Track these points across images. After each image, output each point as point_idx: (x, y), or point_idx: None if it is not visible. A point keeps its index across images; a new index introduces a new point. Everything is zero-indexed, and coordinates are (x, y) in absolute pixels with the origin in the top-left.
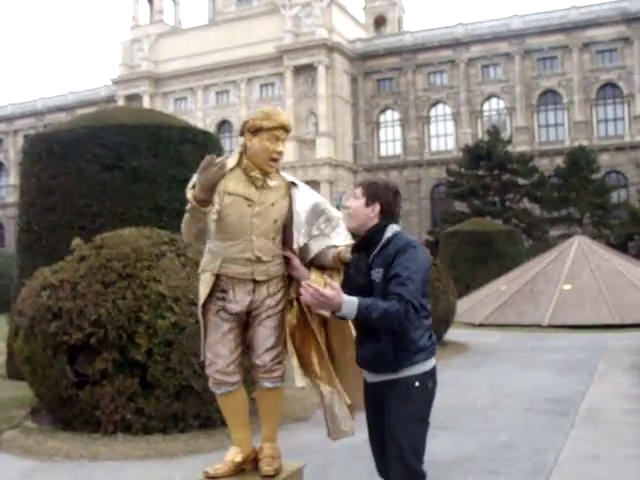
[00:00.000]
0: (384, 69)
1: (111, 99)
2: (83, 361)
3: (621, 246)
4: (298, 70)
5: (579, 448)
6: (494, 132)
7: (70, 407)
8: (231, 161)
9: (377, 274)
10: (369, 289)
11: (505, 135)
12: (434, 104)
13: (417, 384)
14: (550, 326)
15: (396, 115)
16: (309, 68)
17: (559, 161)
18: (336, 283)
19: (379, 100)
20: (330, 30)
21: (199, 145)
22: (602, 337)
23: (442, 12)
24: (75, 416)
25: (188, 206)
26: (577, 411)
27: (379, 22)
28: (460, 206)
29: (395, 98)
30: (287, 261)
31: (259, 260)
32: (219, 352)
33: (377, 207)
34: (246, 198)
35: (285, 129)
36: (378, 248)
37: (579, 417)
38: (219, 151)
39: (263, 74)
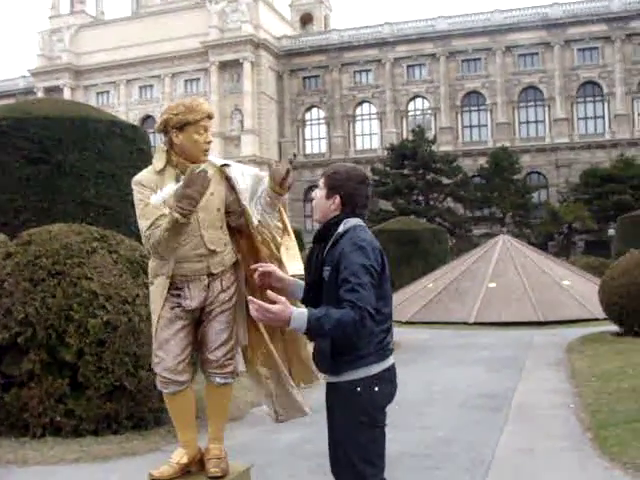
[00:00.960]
0: (310, 67)
1: (29, 91)
2: (10, 362)
3: (542, 245)
4: (223, 66)
5: (514, 442)
6: (419, 132)
7: None
8: (159, 162)
9: (327, 272)
10: (319, 285)
11: (430, 135)
12: (360, 103)
13: (359, 389)
14: (476, 323)
15: (322, 113)
16: (235, 64)
17: (482, 161)
18: (282, 298)
19: (305, 98)
20: (256, 26)
21: (127, 139)
22: (527, 334)
23: (369, 11)
24: (1, 420)
25: (169, 224)
26: (509, 406)
27: (306, 20)
28: (385, 205)
29: (321, 96)
30: (266, 274)
31: (213, 252)
32: (170, 349)
33: (337, 199)
34: None
35: (210, 117)
36: (329, 244)
37: (512, 412)
38: (147, 146)
39: (188, 69)
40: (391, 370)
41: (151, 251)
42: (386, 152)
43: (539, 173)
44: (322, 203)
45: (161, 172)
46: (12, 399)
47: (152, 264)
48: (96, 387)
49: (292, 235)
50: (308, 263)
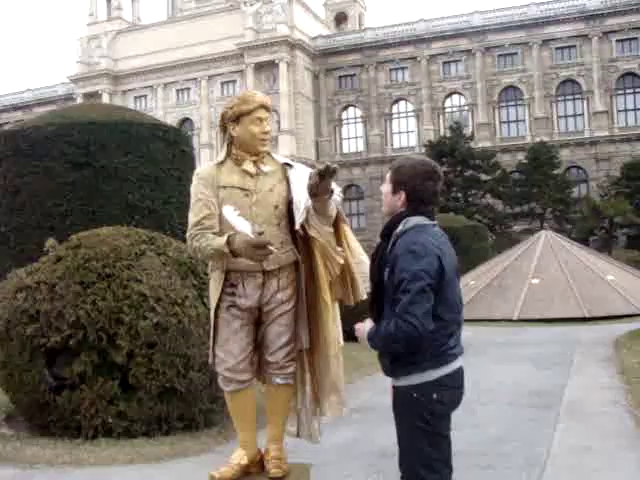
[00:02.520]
0: (345, 66)
1: (69, 97)
2: (62, 364)
3: (583, 241)
4: (259, 67)
5: (568, 441)
6: (456, 128)
7: (48, 412)
8: (221, 155)
9: (386, 273)
10: (380, 287)
11: (467, 131)
12: (396, 101)
13: (415, 395)
14: (520, 320)
15: (358, 112)
16: (270, 65)
17: (521, 157)
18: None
19: (341, 97)
20: (291, 27)
21: (169, 142)
22: (572, 330)
23: (403, 9)
24: (54, 421)
25: (218, 248)
26: (560, 404)
27: (340, 19)
28: None
29: (357, 95)
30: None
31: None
32: (230, 350)
33: (402, 195)
34: (242, 188)
35: (266, 108)
36: (390, 244)
37: (563, 410)
38: (188, 148)
39: (224, 71)
40: (454, 376)
41: (190, 250)
42: (424, 149)
43: (579, 167)
44: (389, 198)
45: (220, 165)
46: (64, 401)
47: None
48: (147, 389)
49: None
50: (372, 260)
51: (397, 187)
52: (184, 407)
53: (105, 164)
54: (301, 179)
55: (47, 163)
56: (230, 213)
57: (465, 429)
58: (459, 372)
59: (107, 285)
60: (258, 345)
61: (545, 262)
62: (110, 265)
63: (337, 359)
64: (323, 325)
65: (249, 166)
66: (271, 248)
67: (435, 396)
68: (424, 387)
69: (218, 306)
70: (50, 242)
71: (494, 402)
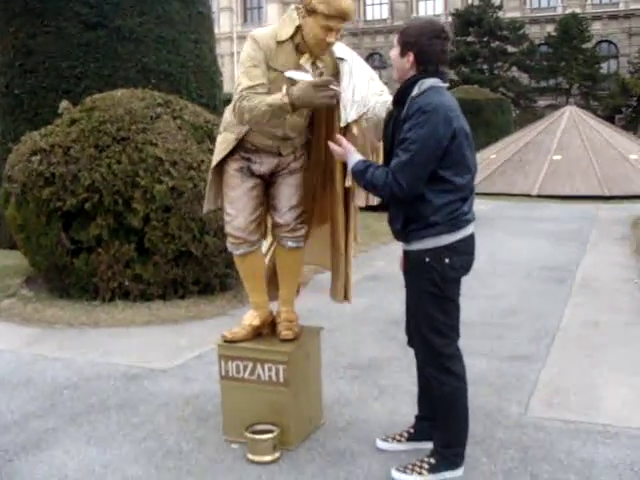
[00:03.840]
0: None
1: None
2: (78, 228)
3: (609, 118)
4: None
5: (579, 314)
6: None
7: (66, 275)
8: (284, 31)
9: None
10: (392, 153)
11: (496, 0)
12: None
13: (427, 259)
14: (540, 196)
15: None
16: None
17: (550, 29)
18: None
19: None
20: None
21: (186, 3)
22: (592, 208)
23: None
24: (72, 284)
25: (275, 103)
26: (574, 279)
27: None
28: (448, 73)
29: None
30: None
31: (287, 137)
32: (242, 207)
33: (411, 56)
34: (291, 78)
35: (343, 18)
36: (405, 109)
37: (576, 285)
38: (206, 9)
39: None
40: (466, 241)
41: (237, 111)
42: (450, 18)
43: (610, 42)
44: (397, 62)
45: (281, 43)
46: (81, 264)
47: (226, 116)
48: (163, 253)
49: None
50: (385, 129)
51: (405, 48)
52: (200, 271)
53: (120, 25)
54: (354, 74)
55: (60, 23)
56: (291, 73)
57: (478, 299)
58: (472, 238)
59: (122, 148)
60: (268, 208)
61: (568, 138)
62: (125, 128)
63: (344, 256)
64: (337, 219)
65: (307, 63)
66: (336, 88)
67: (447, 260)
68: (437, 251)
69: (229, 164)
70: (64, 104)
71: (508, 274)
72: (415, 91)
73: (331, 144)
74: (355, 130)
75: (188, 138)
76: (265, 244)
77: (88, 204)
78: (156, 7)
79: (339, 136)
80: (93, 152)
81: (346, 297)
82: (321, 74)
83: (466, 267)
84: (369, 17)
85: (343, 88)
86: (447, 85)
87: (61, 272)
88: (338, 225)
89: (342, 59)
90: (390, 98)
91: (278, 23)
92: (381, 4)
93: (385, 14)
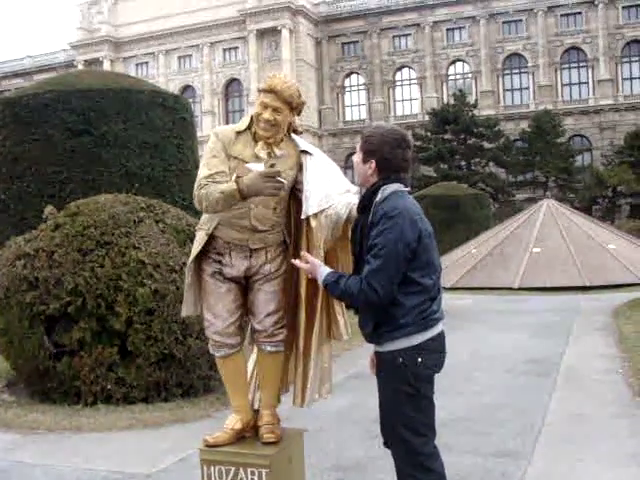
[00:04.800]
0: (349, 33)
1: (70, 64)
2: (61, 331)
3: (585, 209)
4: (261, 34)
5: (564, 408)
6: (460, 96)
7: (48, 379)
8: (242, 123)
9: (369, 244)
10: (362, 259)
11: (471, 99)
12: (399, 68)
13: (401, 360)
14: (521, 288)
15: (361, 79)
16: (273, 32)
17: (524, 125)
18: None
19: (344, 64)
20: None
21: (169, 109)
22: (573, 299)
23: None
24: (54, 388)
25: (226, 190)
26: (557, 372)
27: None
28: (427, 170)
29: (360, 62)
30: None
31: (255, 229)
32: (218, 312)
33: (372, 164)
34: None
35: (275, 93)
36: (371, 214)
37: (560, 378)
38: (189, 115)
39: (226, 38)
40: (437, 339)
41: (196, 200)
42: (427, 117)
43: (583, 136)
44: (360, 167)
45: (239, 134)
46: (64, 367)
47: (202, 217)
48: (145, 355)
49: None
50: (353, 234)
51: (367, 156)
52: (183, 374)
53: (105, 131)
54: (318, 169)
55: (47, 130)
56: (249, 165)
57: (462, 396)
58: (441, 336)
59: (105, 252)
60: (247, 313)
61: (547, 231)
62: (108, 232)
63: (318, 356)
64: (299, 320)
65: (262, 150)
66: (282, 180)
67: (420, 360)
68: (409, 351)
69: (203, 269)
70: (48, 209)
71: (492, 369)
72: (379, 197)
73: (296, 262)
74: (314, 224)
75: (170, 241)
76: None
77: (71, 307)
78: (140, 114)
79: (304, 253)
80: (77, 256)
81: (302, 401)
82: (272, 165)
83: (439, 365)
84: (348, 118)
85: (306, 181)
86: (409, 189)
87: (43, 376)
88: (300, 325)
89: (306, 152)
90: (355, 199)
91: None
92: (359, 105)
93: (363, 115)
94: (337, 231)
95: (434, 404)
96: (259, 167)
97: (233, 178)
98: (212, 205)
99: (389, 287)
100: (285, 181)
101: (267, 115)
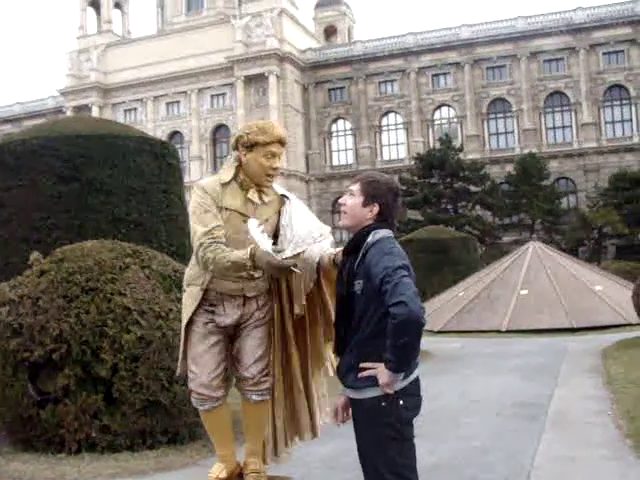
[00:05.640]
0: (335, 79)
1: (59, 110)
2: (45, 378)
3: (572, 251)
4: (249, 80)
5: (553, 451)
6: (446, 140)
7: (32, 427)
8: (226, 174)
9: (358, 285)
10: (349, 301)
11: (456, 143)
12: (385, 113)
13: (384, 404)
14: (509, 331)
15: (348, 125)
16: (260, 78)
17: (509, 168)
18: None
19: (330, 110)
20: (281, 40)
21: (156, 155)
22: (561, 341)
23: (392, 23)
24: (37, 436)
25: (238, 261)
26: (546, 414)
27: (329, 32)
28: (414, 214)
29: (346, 108)
30: None
31: (251, 277)
32: (204, 365)
33: (376, 208)
34: (242, 214)
35: (282, 143)
36: (360, 255)
37: (549, 420)
38: (176, 161)
39: (214, 84)
40: (415, 383)
41: (200, 260)
42: (413, 162)
43: (567, 178)
44: (357, 209)
45: (225, 185)
46: (48, 415)
47: (189, 271)
48: (131, 402)
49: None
50: (339, 275)
51: (370, 200)
52: (168, 421)
53: (91, 177)
54: (295, 214)
55: (33, 176)
56: (254, 227)
57: (450, 441)
58: (418, 380)
59: (91, 299)
60: (233, 361)
61: (533, 273)
62: (94, 279)
63: (300, 392)
64: (288, 358)
65: (254, 196)
66: (296, 270)
67: (402, 402)
68: (392, 395)
69: (193, 320)
70: (34, 255)
71: (480, 413)
72: (370, 239)
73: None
74: (297, 270)
75: (156, 287)
76: None
77: (56, 354)
78: (127, 160)
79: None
80: (62, 302)
81: (314, 432)
82: (280, 251)
83: (418, 407)
84: (335, 163)
85: (282, 225)
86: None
87: (26, 424)
88: (294, 366)
89: (286, 197)
90: (327, 244)
91: (220, 172)
92: (346, 150)
93: (350, 159)
94: (313, 274)
95: (415, 447)
96: (267, 245)
97: (248, 251)
98: (221, 271)
99: (416, 297)
100: (297, 270)
101: (279, 164)
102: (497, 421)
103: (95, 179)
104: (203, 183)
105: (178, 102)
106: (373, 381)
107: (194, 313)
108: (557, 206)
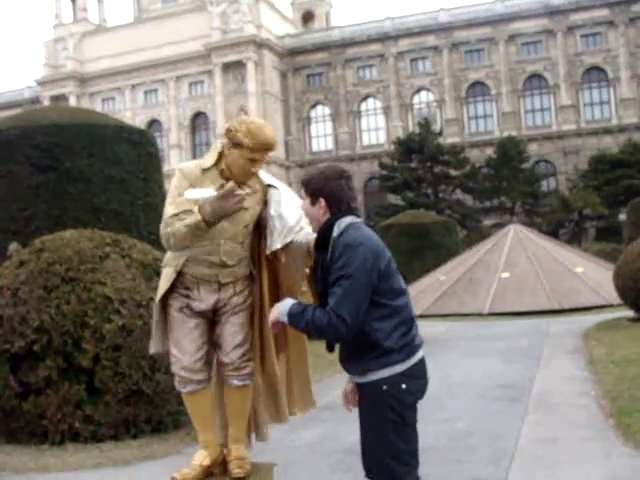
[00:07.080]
0: (313, 64)
1: (36, 100)
2: (26, 369)
3: (552, 233)
4: (227, 67)
5: (536, 433)
6: (425, 124)
7: (14, 418)
8: (209, 160)
9: (332, 280)
10: (325, 296)
11: (436, 127)
12: (364, 98)
13: (385, 387)
14: (491, 314)
15: (327, 110)
16: (238, 65)
17: (489, 152)
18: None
19: (309, 95)
20: (258, 26)
21: (135, 144)
22: (542, 322)
23: (369, 7)
24: (20, 428)
25: (191, 223)
26: (529, 396)
27: (307, 18)
28: (394, 199)
29: (325, 93)
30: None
31: (224, 264)
32: (185, 348)
33: (322, 202)
34: None
35: (268, 149)
36: (330, 251)
37: (532, 402)
38: (154, 149)
39: (192, 72)
40: (419, 365)
41: (163, 239)
42: (393, 146)
43: (547, 161)
44: (311, 212)
45: (206, 170)
46: (30, 407)
47: (167, 254)
48: (113, 392)
49: None
50: (314, 273)
51: (314, 197)
52: (151, 410)
53: (70, 167)
54: (282, 203)
55: (11, 167)
56: (190, 193)
57: (434, 424)
58: (423, 361)
59: (71, 289)
60: (214, 346)
61: (514, 256)
62: (74, 268)
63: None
64: (268, 345)
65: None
66: (241, 192)
67: (404, 386)
68: (394, 379)
69: (170, 304)
70: (13, 246)
71: (463, 396)
72: (335, 231)
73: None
74: (283, 259)
75: (137, 276)
76: None
77: (37, 345)
78: (105, 149)
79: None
80: (42, 293)
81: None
82: (222, 186)
83: (422, 391)
84: (315, 149)
85: (270, 216)
86: (362, 219)
87: (8, 416)
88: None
89: (272, 186)
90: (310, 230)
91: (205, 156)
92: (325, 136)
93: (330, 145)
94: (305, 259)
95: (417, 433)
96: (207, 192)
97: (195, 209)
98: (180, 241)
99: (356, 315)
100: (244, 192)
101: (255, 170)
102: (481, 403)
103: (73, 168)
104: (183, 166)
105: (156, 90)
106: (378, 363)
107: (170, 297)
108: (537, 189)
